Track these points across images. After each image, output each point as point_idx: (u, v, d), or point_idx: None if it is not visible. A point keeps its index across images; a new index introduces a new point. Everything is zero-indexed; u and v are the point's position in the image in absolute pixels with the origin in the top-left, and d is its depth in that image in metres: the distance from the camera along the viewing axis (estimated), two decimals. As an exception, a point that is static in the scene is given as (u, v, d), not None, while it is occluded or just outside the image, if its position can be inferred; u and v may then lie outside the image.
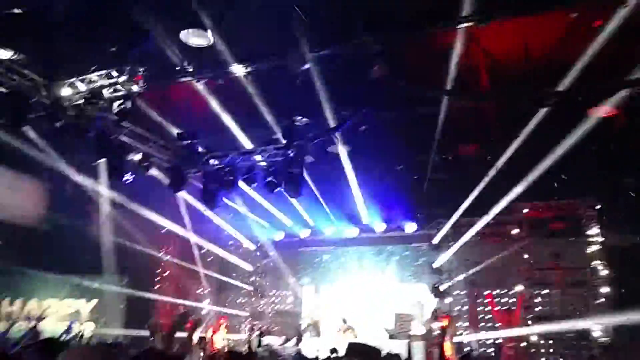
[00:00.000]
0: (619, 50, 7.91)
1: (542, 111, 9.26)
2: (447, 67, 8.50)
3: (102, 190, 11.78)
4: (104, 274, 14.50)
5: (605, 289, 11.80)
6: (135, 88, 8.62)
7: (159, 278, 15.94)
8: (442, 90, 9.12)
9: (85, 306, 15.05)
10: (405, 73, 8.49)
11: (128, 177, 10.41)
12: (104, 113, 9.15)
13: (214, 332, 13.30)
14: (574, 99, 8.55)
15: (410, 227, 14.25)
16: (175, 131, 10.58)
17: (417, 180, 12.56)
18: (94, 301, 15.07)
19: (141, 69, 8.57)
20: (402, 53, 8.66)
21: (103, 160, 10.05)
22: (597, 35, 7.61)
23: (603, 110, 8.30)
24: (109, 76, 8.77)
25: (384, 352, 6.25)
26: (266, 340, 12.10)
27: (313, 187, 12.46)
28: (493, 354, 12.40)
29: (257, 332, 12.56)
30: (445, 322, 11.65)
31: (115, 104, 9.03)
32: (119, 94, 8.83)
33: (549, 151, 10.07)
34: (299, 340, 9.07)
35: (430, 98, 9.56)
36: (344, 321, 12.93)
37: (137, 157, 10.86)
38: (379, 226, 14.55)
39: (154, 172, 11.30)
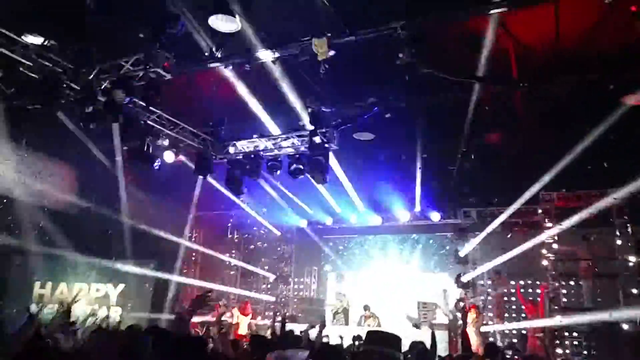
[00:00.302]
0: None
1: (573, 99, 9.09)
2: (476, 53, 8.38)
3: (130, 175, 11.99)
4: (132, 259, 14.79)
5: (634, 281, 11.57)
6: (163, 73, 8.70)
7: (187, 263, 16.16)
8: (470, 77, 9.00)
9: (113, 291, 15.36)
10: (433, 59, 8.38)
11: (156, 162, 10.57)
12: (132, 98, 9.28)
13: (239, 316, 13.50)
14: (606, 87, 8.35)
15: (435, 216, 14.17)
16: (202, 117, 10.68)
17: (444, 169, 12.45)
18: (121, 286, 15.38)
19: (170, 55, 8.63)
20: (430, 39, 8.54)
21: (132, 144, 10.23)
22: (632, 21, 7.39)
23: (636, 98, 8.08)
24: (138, 61, 8.88)
25: (407, 341, 6.25)
26: (289, 326, 12.20)
27: (338, 174, 12.46)
28: (518, 344, 12.28)
29: (280, 318, 12.67)
30: (472, 313, 11.62)
31: (144, 90, 9.15)
32: (148, 79, 8.94)
33: (579, 140, 9.87)
34: (322, 327, 9.07)
35: (458, 85, 9.44)
36: (366, 308, 12.98)
37: (165, 142, 11.02)
38: (404, 214, 14.50)
39: (181, 157, 11.46)
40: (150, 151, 10.38)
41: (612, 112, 8.87)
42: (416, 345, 6.52)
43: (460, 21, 8.27)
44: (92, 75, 9.08)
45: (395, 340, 3.33)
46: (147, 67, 8.63)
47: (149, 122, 10.36)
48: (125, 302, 15.30)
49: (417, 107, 10.55)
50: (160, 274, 14.96)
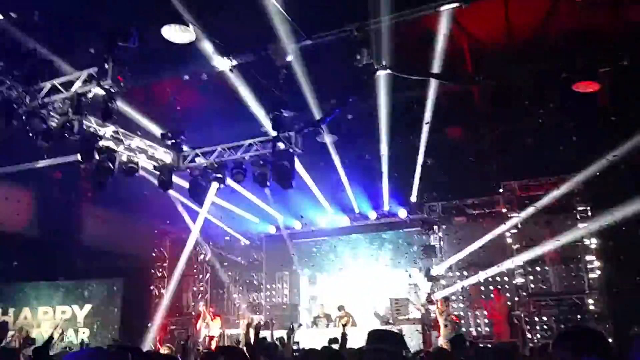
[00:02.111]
0: (601, 26, 7.98)
1: (527, 90, 9.33)
2: (432, 51, 8.51)
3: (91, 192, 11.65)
4: (98, 279, 14.41)
5: (597, 263, 11.98)
6: (117, 88, 8.48)
7: (154, 279, 15.83)
8: (427, 74, 9.14)
9: (79, 312, 14.94)
10: (390, 59, 8.48)
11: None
12: (87, 115, 9.01)
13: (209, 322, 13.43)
14: (558, 76, 8.61)
15: (402, 212, 14.31)
16: (160, 130, 10.46)
17: (407, 166, 12.60)
18: (88, 306, 14.98)
19: (123, 68, 8.43)
20: (385, 40, 8.62)
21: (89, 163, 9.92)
22: (579, 11, 7.65)
23: (586, 86, 8.36)
24: (90, 77, 8.63)
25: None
26: (263, 334, 12.09)
27: (304, 178, 12.44)
28: (488, 331, 12.56)
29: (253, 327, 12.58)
30: (439, 304, 11.81)
31: (98, 106, 8.89)
32: (101, 95, 8.69)
33: (537, 129, 10.15)
34: (290, 333, 9.13)
35: (416, 83, 9.57)
36: (341, 309, 13.02)
37: (123, 158, 10.74)
38: (371, 214, 14.60)
39: (141, 172, 11.19)
40: (109, 167, 10.10)
41: (565, 100, 9.15)
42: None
43: (413, 20, 8.37)
44: (43, 93, 8.77)
45: (398, 337, 3.34)
46: (100, 82, 8.39)
47: (105, 138, 10.07)
48: (93, 323, 14.91)
49: (378, 106, 10.64)
50: (127, 292, 14.65)
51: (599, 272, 11.93)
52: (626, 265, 11.52)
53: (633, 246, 11.68)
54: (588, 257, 12.14)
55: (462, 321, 13.08)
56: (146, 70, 8.88)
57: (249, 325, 9.36)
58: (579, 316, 11.81)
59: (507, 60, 9.28)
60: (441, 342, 11.25)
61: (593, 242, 12.04)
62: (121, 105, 9.14)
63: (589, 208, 12.07)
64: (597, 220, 11.26)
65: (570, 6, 7.93)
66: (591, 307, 11.77)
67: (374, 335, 3.23)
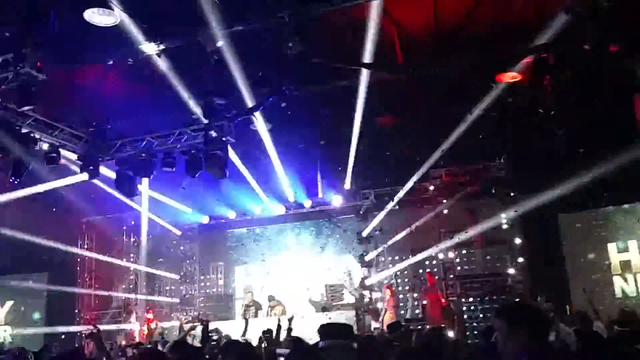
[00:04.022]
0: (522, 17, 8.36)
1: (454, 79, 9.64)
2: (363, 40, 8.60)
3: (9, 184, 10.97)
4: (20, 274, 13.68)
5: (518, 245, 12.70)
6: (36, 74, 8.01)
7: (82, 272, 15.17)
8: (358, 64, 9.23)
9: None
10: (322, 48, 8.50)
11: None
12: (4, 103, 8.48)
13: (146, 323, 13.03)
14: (482, 66, 8.96)
15: (336, 200, 14.48)
16: (84, 117, 10.01)
17: (341, 153, 12.73)
18: (9, 303, 14.20)
19: (42, 53, 7.98)
20: (317, 28, 8.64)
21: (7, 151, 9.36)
22: (502, 4, 7.98)
23: (509, 76, 8.75)
24: (7, 63, 8.11)
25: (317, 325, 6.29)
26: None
27: (237, 167, 12.29)
28: (420, 315, 13.01)
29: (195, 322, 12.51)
30: (387, 292, 12.19)
31: (15, 93, 8.39)
32: (19, 81, 8.19)
33: (462, 118, 10.53)
34: (205, 324, 9.09)
35: (348, 72, 9.66)
36: (271, 299, 13.07)
37: (44, 147, 10.21)
38: (306, 202, 14.67)
39: (64, 161, 10.69)
40: (29, 157, 9.57)
41: (489, 90, 9.54)
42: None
43: (344, 10, 8.43)
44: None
45: (348, 329, 3.40)
46: (18, 68, 7.90)
47: (24, 127, 9.51)
48: (15, 320, 14.17)
49: (311, 94, 10.67)
50: (53, 287, 14.01)
51: (521, 254, 12.63)
52: (545, 246, 12.30)
53: (551, 229, 12.50)
54: (511, 240, 12.83)
55: (401, 304, 13.52)
56: (68, 55, 8.43)
57: (194, 321, 9.17)
58: (503, 296, 12.44)
59: (435, 51, 9.55)
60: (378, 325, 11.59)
61: (515, 226, 12.72)
62: (42, 92, 8.68)
63: (513, 194, 12.71)
64: (521, 205, 11.87)
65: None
66: (515, 287, 12.46)
67: (325, 330, 3.25)
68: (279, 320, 8.33)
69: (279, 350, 6.03)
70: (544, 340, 2.57)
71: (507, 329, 2.55)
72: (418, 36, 9.88)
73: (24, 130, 9.51)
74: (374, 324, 12.01)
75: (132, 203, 13.27)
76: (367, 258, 13.83)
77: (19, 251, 12.73)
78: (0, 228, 11.52)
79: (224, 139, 9.96)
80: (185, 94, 9.58)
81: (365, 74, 9.53)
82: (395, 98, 11.63)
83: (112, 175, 11.23)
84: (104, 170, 11.21)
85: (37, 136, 9.88)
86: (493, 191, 12.95)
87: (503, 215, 12.53)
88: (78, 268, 14.95)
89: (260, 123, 11.13)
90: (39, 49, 7.74)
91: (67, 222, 13.51)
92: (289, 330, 7.79)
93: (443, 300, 12.48)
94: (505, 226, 12.75)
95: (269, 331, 7.67)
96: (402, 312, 13.38)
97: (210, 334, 7.42)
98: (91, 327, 6.96)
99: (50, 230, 12.63)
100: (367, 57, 9.05)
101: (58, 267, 14.28)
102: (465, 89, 9.97)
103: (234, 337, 8.23)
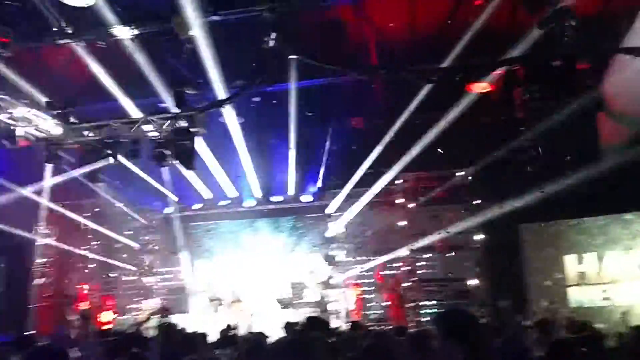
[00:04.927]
0: (497, 29, 8.50)
1: (427, 86, 9.73)
2: (339, 40, 8.61)
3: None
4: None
5: (478, 252, 12.98)
6: (1, 50, 7.72)
7: (37, 260, 14.69)
8: (333, 63, 9.22)
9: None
10: (298, 46, 8.45)
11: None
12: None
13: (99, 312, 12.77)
14: (454, 75, 9.06)
15: (306, 197, 14.48)
16: (50, 98, 9.69)
17: (313, 152, 12.75)
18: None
19: (8, 29, 7.70)
20: (295, 25, 8.60)
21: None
22: (477, 13, 8.09)
23: (480, 86, 8.87)
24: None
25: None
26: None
27: (206, 158, 12.14)
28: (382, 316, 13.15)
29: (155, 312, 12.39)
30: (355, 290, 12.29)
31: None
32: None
33: (433, 124, 10.66)
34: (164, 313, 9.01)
35: (323, 71, 9.64)
36: (233, 294, 13.02)
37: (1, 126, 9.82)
38: (274, 198, 14.62)
39: (25, 142, 10.31)
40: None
41: (460, 99, 9.68)
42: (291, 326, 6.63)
43: (323, 8, 8.43)
44: None
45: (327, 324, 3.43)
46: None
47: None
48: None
49: (286, 91, 10.60)
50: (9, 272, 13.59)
51: (481, 261, 12.90)
52: (505, 254, 12.57)
53: (512, 237, 12.77)
54: (473, 247, 13.08)
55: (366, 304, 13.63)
56: (36, 33, 8.17)
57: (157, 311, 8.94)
58: (462, 301, 12.67)
59: (409, 56, 9.62)
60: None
61: (478, 233, 12.98)
62: (5, 69, 8.39)
63: (477, 201, 12.94)
64: (483, 213, 12.09)
65: (470, 7, 8.38)
66: (474, 293, 12.72)
67: (312, 323, 3.27)
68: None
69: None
70: (483, 350, 2.47)
71: (441, 338, 2.49)
72: (394, 41, 9.95)
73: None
74: (337, 323, 12.07)
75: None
76: (333, 257, 13.90)
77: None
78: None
79: (192, 129, 9.79)
80: (155, 82, 9.40)
81: (340, 73, 9.54)
82: (368, 100, 11.70)
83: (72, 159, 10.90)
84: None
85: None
86: (459, 198, 13.19)
87: (467, 222, 12.75)
88: (35, 252, 14.48)
89: (231, 116, 11.02)
90: (6, 24, 7.47)
91: (25, 207, 13.06)
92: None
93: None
94: (468, 233, 12.99)
95: (230, 326, 7.69)
96: (367, 312, 13.52)
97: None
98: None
99: (7, 213, 12.22)
100: (343, 57, 9.08)
101: (15, 251, 13.86)
102: (438, 96, 10.07)
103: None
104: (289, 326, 6.18)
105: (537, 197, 10.27)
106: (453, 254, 13.52)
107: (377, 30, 9.69)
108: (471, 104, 9.59)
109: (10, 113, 9.61)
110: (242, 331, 8.67)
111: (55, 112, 9.93)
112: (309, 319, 3.47)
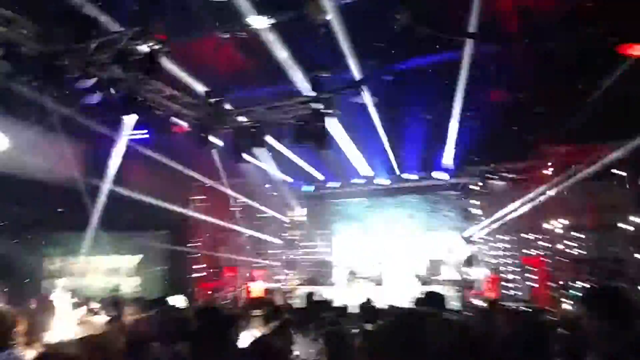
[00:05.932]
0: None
1: (574, 54, 8.96)
2: (471, 11, 8.26)
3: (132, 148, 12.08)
4: (145, 231, 15.06)
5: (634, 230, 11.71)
6: (159, 45, 8.64)
7: (195, 233, 16.37)
8: (468, 34, 8.88)
9: (130, 260, 15.68)
10: (428, 20, 8.28)
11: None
12: (129, 72, 9.25)
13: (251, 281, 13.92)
14: (606, 39, 8.20)
15: (442, 175, 14.23)
16: (200, 87, 10.63)
17: (446, 128, 12.42)
18: (138, 256, 15.65)
19: (163, 26, 8.57)
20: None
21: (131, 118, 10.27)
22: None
23: (635, 49, 7.94)
24: (134, 35, 8.81)
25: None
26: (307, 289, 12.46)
27: (343, 139, 12.48)
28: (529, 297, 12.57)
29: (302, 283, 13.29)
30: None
31: (140, 63, 9.10)
32: (144, 52, 8.88)
33: (582, 95, 9.78)
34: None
35: (456, 44, 9.33)
36: (352, 273, 13.36)
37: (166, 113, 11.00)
38: (411, 176, 14.60)
39: (184, 128, 11.47)
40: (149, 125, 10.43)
41: (612, 66, 8.75)
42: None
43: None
44: (89, 52, 9.04)
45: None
46: (144, 39, 8.56)
47: (147, 96, 10.33)
48: (143, 272, 15.61)
49: (418, 68, 10.47)
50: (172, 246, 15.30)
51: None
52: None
53: None
54: (625, 225, 11.84)
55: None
56: (186, 27, 8.99)
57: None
58: (615, 281, 11.60)
59: (554, 21, 8.89)
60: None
61: (632, 209, 11.72)
62: (162, 62, 9.35)
63: (627, 176, 11.67)
64: (634, 187, 10.89)
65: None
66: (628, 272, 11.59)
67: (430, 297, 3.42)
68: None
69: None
70: (630, 328, 2.39)
71: (589, 315, 2.47)
72: (537, 7, 9.26)
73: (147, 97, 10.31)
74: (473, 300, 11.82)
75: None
76: (471, 235, 13.56)
77: (144, 210, 13.94)
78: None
79: (328, 111, 10.12)
80: (292, 67, 9.85)
81: (472, 45, 9.15)
82: (509, 72, 11.04)
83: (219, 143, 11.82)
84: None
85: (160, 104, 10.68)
86: (611, 173, 11.96)
87: (620, 198, 11.57)
88: (193, 226, 16.10)
89: (366, 97, 11.16)
90: (160, 21, 8.32)
91: (180, 186, 14.52)
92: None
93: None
94: (621, 209, 11.79)
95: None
96: (504, 291, 13.02)
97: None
98: None
99: (170, 191, 13.71)
100: (478, 28, 8.68)
101: (174, 226, 15.48)
102: (588, 63, 9.22)
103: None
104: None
105: None
106: (604, 232, 12.35)
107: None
108: (624, 71, 8.61)
109: (170, 105, 10.65)
110: (379, 305, 8.88)
111: (211, 100, 10.89)
112: (427, 293, 3.58)
